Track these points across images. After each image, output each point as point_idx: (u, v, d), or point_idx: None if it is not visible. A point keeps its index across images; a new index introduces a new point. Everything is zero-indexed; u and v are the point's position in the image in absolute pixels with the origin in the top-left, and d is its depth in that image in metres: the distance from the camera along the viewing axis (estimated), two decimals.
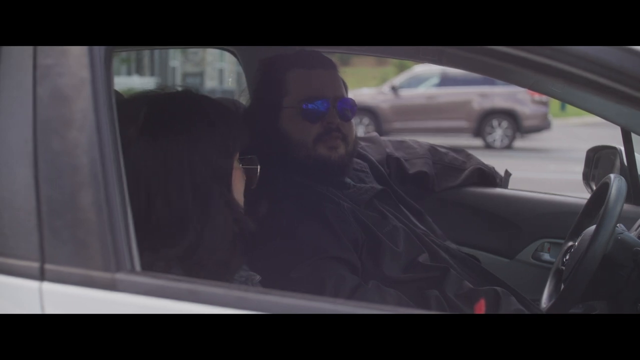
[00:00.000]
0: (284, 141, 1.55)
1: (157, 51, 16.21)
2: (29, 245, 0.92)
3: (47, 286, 0.91)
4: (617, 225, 1.49)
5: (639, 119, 1.67)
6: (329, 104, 1.55)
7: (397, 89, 12.06)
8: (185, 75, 19.48)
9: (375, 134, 2.14)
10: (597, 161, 2.06)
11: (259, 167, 1.25)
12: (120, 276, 0.91)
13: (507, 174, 2.18)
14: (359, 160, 1.73)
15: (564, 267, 1.61)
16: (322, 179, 1.59)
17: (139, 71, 18.30)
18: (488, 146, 11.34)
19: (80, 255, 0.91)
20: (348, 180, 1.64)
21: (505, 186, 2.16)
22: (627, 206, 1.74)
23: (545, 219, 2.06)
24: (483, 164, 2.13)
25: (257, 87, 1.66)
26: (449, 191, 2.08)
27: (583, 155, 2.11)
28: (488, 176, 2.11)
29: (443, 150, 2.09)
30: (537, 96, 11.23)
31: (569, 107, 13.99)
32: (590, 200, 1.72)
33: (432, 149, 2.07)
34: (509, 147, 11.45)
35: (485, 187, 2.12)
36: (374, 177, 1.74)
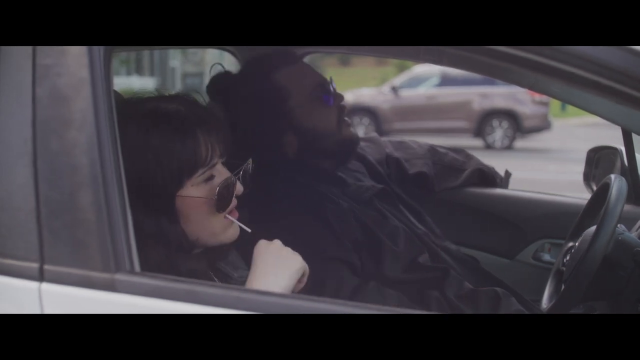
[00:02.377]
0: (309, 136, 1.55)
1: (157, 51, 16.20)
2: (28, 246, 0.92)
3: (47, 287, 0.91)
4: (618, 225, 1.49)
5: (639, 119, 1.67)
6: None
7: (397, 89, 12.06)
8: (185, 76, 19.48)
9: (375, 134, 2.14)
10: (598, 161, 2.06)
11: (236, 183, 1.12)
12: (119, 277, 0.90)
13: (507, 174, 2.18)
14: (354, 161, 1.74)
15: (564, 268, 1.61)
16: (346, 160, 1.63)
17: (139, 71, 18.30)
18: (488, 146, 11.33)
19: (79, 255, 0.91)
20: (348, 179, 1.65)
21: (506, 186, 2.16)
22: (627, 206, 1.74)
23: (545, 220, 2.06)
24: (483, 164, 2.13)
25: (249, 102, 1.57)
26: (449, 191, 2.08)
27: (583, 155, 2.11)
28: (488, 177, 2.11)
29: (443, 150, 2.09)
30: (538, 96, 11.22)
31: (570, 108, 13.99)
32: (590, 201, 1.72)
33: (432, 149, 2.07)
34: (509, 147, 11.45)
35: (486, 188, 2.12)
36: (372, 177, 1.75)
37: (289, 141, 1.56)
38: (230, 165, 1.16)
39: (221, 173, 1.12)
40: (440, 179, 2.04)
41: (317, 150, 1.57)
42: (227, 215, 1.13)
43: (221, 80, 1.65)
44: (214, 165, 1.10)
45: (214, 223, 1.11)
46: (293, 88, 1.56)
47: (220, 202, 1.10)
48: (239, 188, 1.14)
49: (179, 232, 1.08)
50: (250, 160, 1.19)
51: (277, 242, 1.12)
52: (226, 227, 1.13)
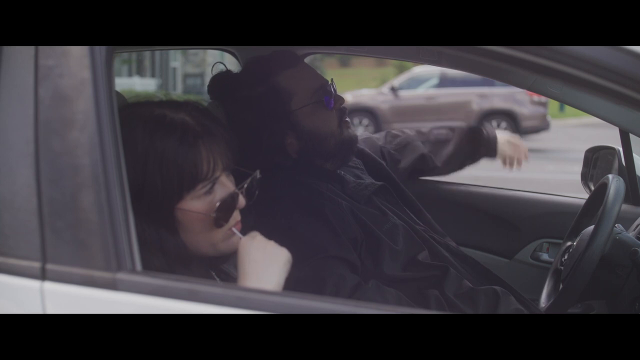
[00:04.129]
0: (310, 138, 1.56)
1: (158, 52, 16.20)
2: (31, 246, 0.93)
3: (49, 286, 0.92)
4: (616, 225, 1.49)
5: (636, 120, 1.67)
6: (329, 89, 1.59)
7: (397, 90, 12.07)
8: (185, 76, 19.50)
9: (366, 133, 2.15)
10: (596, 161, 2.07)
11: (238, 198, 1.11)
12: (121, 276, 0.91)
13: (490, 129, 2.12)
14: (353, 158, 1.75)
15: (562, 267, 1.62)
16: (347, 160, 1.64)
17: (140, 72, 18.30)
18: None
19: (81, 255, 0.92)
20: (348, 176, 1.65)
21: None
22: (625, 206, 1.75)
23: (543, 219, 2.07)
24: (466, 127, 2.10)
25: (250, 102, 1.56)
26: (449, 191, 2.09)
27: (581, 155, 2.12)
28: (479, 136, 2.07)
29: (425, 130, 2.10)
30: (536, 97, 11.24)
31: (568, 108, 14.00)
32: (588, 201, 1.73)
33: (417, 132, 2.08)
34: None
35: (485, 187, 2.13)
36: (371, 172, 1.75)
37: (290, 143, 1.56)
38: (237, 173, 1.14)
39: (224, 186, 1.11)
40: (435, 155, 2.04)
41: (319, 152, 1.58)
42: (232, 228, 1.11)
43: (222, 80, 1.65)
44: (216, 179, 1.09)
45: (214, 235, 1.10)
46: (294, 90, 1.55)
47: (220, 219, 1.09)
48: (242, 202, 1.12)
49: (178, 243, 1.07)
50: (257, 172, 1.17)
51: (259, 237, 1.09)
52: (227, 238, 1.12)
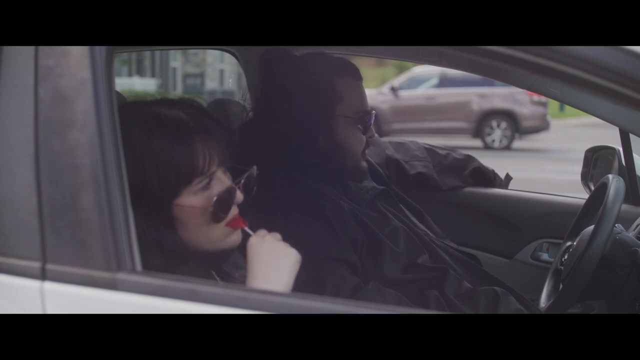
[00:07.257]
0: (337, 149, 1.56)
1: (158, 52, 16.21)
2: (31, 245, 0.93)
3: (49, 286, 0.92)
4: (616, 225, 1.50)
5: (636, 120, 1.68)
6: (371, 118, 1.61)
7: (397, 90, 12.06)
8: (185, 76, 19.51)
9: (375, 135, 2.15)
10: (596, 161, 2.07)
11: (236, 192, 1.11)
12: (121, 276, 0.91)
13: (508, 178, 2.20)
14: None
15: (562, 267, 1.62)
16: (352, 182, 1.63)
17: (140, 72, 18.31)
18: (487, 147, 11.35)
19: (81, 255, 0.92)
20: (350, 181, 1.66)
21: (506, 188, 2.18)
22: (625, 206, 1.75)
23: (543, 219, 2.07)
24: (483, 165, 2.15)
25: (296, 85, 1.56)
26: (449, 192, 2.10)
27: (581, 155, 2.12)
28: (487, 175, 2.13)
29: (443, 152, 2.11)
30: (536, 97, 11.24)
31: (568, 108, 14.00)
32: (588, 201, 1.73)
33: (432, 151, 2.09)
34: (507, 147, 11.46)
35: (485, 188, 2.14)
36: (373, 178, 1.76)
37: (317, 142, 1.56)
38: (233, 171, 1.14)
39: (221, 181, 1.11)
40: (444, 179, 2.07)
41: (335, 163, 1.58)
42: (246, 228, 1.11)
43: (280, 56, 1.62)
44: (212, 174, 1.09)
45: (213, 231, 1.10)
46: (346, 97, 1.56)
47: (217, 213, 1.09)
48: (239, 197, 1.12)
49: (177, 240, 1.07)
50: (254, 167, 1.16)
51: (268, 237, 1.09)
52: (227, 235, 1.12)
